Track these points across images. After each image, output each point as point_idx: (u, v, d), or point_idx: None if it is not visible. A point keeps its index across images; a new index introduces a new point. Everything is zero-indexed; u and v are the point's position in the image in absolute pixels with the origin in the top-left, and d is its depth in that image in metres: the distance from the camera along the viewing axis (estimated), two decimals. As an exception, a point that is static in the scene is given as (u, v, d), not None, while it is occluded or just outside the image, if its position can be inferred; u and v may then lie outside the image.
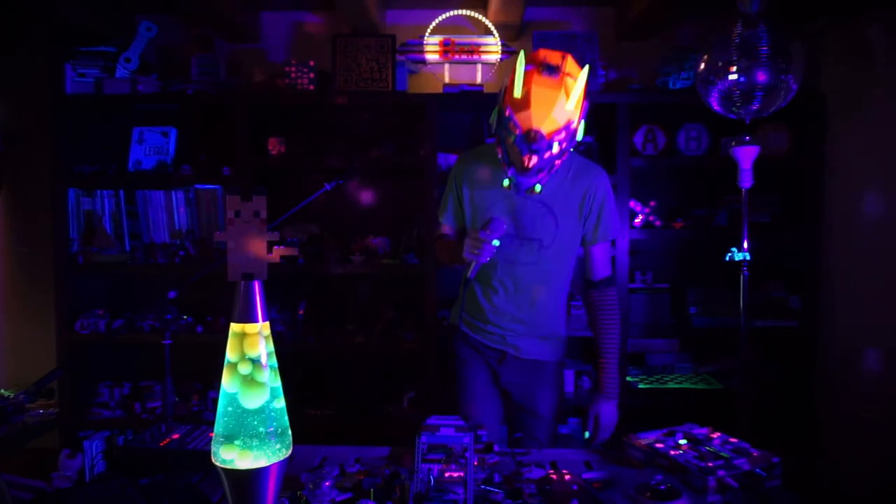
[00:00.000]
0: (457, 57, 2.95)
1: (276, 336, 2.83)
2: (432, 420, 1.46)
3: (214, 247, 2.91)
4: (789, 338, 2.88)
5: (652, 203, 2.93)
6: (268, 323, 1.02)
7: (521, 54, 1.55)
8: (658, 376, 3.00)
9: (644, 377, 2.99)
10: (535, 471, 1.47)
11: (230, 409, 0.99)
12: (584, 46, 2.85)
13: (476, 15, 2.99)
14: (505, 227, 1.67)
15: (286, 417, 1.04)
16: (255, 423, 0.99)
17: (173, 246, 2.92)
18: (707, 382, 2.94)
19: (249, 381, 0.99)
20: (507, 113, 1.56)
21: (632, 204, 2.86)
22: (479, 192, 1.83)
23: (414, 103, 2.91)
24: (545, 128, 1.52)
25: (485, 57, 2.96)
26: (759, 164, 2.22)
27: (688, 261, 3.09)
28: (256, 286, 1.00)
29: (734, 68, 2.10)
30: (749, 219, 2.24)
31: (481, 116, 3.04)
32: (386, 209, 3.15)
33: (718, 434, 1.59)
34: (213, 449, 1.00)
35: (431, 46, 2.95)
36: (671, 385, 2.91)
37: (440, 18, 2.95)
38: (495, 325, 1.90)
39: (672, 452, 1.46)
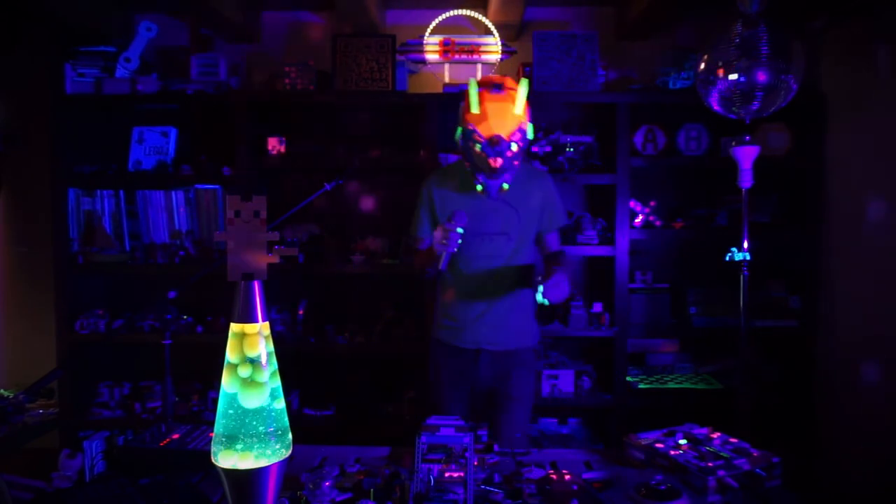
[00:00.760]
0: (457, 57, 2.95)
1: (276, 336, 2.83)
2: (432, 420, 1.46)
3: (214, 247, 2.91)
4: (789, 338, 2.88)
5: (652, 203, 2.93)
6: (268, 323, 1.02)
7: (472, 81, 1.92)
8: (658, 376, 3.00)
9: (644, 377, 2.99)
10: (535, 471, 1.47)
11: (230, 409, 0.99)
12: (584, 46, 2.85)
13: (476, 15, 2.99)
14: (466, 217, 1.86)
15: (286, 417, 1.04)
16: (255, 423, 0.99)
17: (173, 246, 2.92)
18: (707, 382, 2.94)
19: (249, 381, 0.99)
20: (469, 127, 1.88)
21: (632, 204, 2.86)
22: (449, 202, 2.07)
23: (414, 103, 2.91)
24: (504, 132, 1.85)
25: (485, 57, 2.96)
26: (759, 164, 2.22)
27: (688, 261, 3.09)
28: (256, 286, 1.00)
29: (734, 68, 2.10)
30: (749, 219, 2.24)
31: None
32: (386, 209, 3.15)
33: (718, 434, 1.59)
34: (213, 449, 1.00)
35: (431, 46, 2.95)
36: (671, 385, 2.92)
37: (440, 18, 2.95)
38: (471, 322, 2.07)
39: (672, 452, 1.46)
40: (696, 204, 3.00)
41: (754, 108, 2.15)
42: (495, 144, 1.84)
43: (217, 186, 2.96)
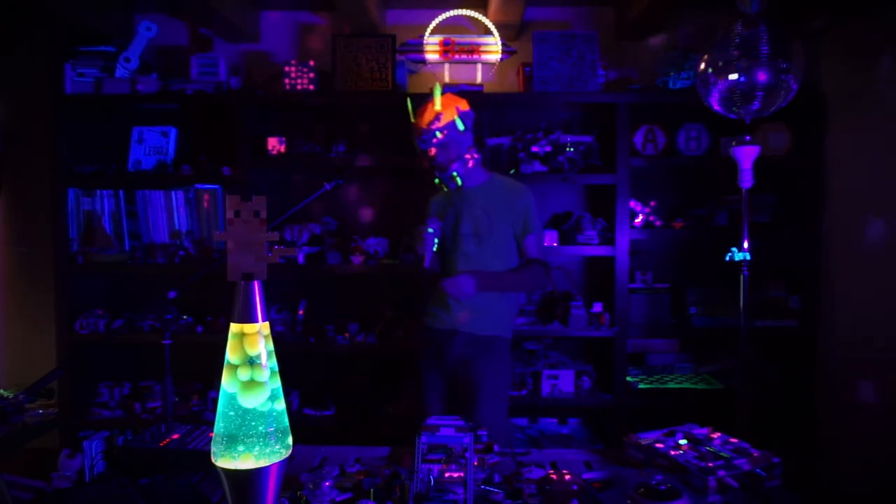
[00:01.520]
0: (457, 57, 2.95)
1: (276, 336, 2.83)
2: (432, 420, 1.46)
3: (214, 247, 2.91)
4: (789, 338, 2.88)
5: (652, 203, 2.93)
6: (268, 323, 1.02)
7: (408, 100, 2.36)
8: (658, 376, 3.00)
9: (644, 377, 2.99)
10: (535, 471, 1.47)
11: (230, 409, 0.99)
12: (584, 46, 2.85)
13: (476, 15, 2.98)
14: (438, 222, 2.20)
15: (286, 417, 1.04)
16: (255, 423, 0.99)
17: (173, 246, 2.92)
18: (707, 382, 2.94)
19: (249, 381, 0.99)
20: (413, 136, 2.24)
21: (632, 204, 2.86)
22: (441, 210, 2.33)
23: (414, 103, 2.91)
24: (423, 121, 2.19)
25: (485, 57, 2.96)
26: (759, 164, 2.22)
27: (688, 261, 3.09)
28: (256, 286, 1.00)
29: (734, 68, 2.10)
30: (749, 219, 2.24)
31: (481, 116, 3.04)
32: (386, 209, 3.15)
33: (718, 434, 1.59)
34: (213, 449, 1.00)
35: (431, 46, 2.95)
36: (671, 385, 2.92)
37: (440, 18, 2.95)
38: (451, 307, 2.21)
39: (672, 452, 1.46)
40: (696, 204, 3.00)
41: (754, 108, 2.15)
42: (420, 133, 2.18)
43: (217, 186, 2.96)
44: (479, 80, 2.99)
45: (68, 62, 2.87)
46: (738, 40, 2.10)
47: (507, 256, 2.26)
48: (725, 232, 2.85)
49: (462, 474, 1.32)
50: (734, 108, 2.19)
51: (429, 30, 2.96)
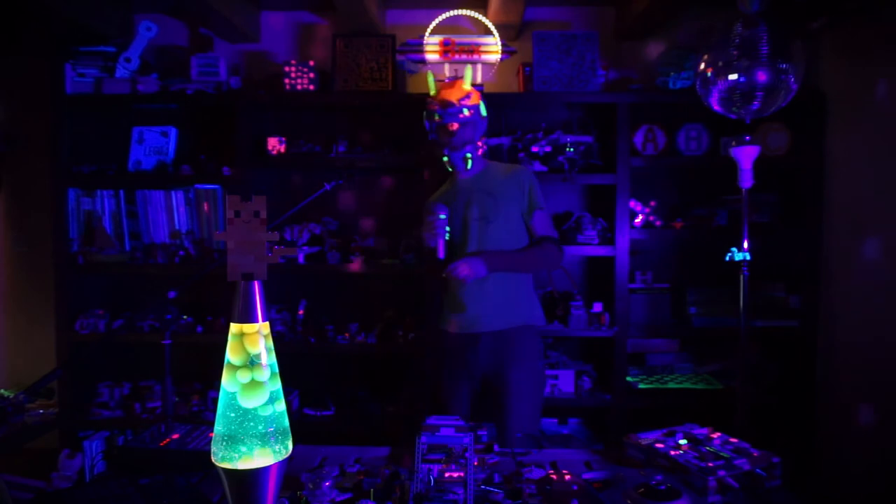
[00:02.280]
0: (457, 57, 2.95)
1: (276, 336, 2.83)
2: (432, 420, 1.46)
3: (214, 247, 2.91)
4: (789, 338, 2.88)
5: (652, 203, 2.93)
6: (267, 323, 1.02)
7: (430, 73, 2.30)
8: (658, 376, 3.00)
9: (644, 377, 2.99)
10: (535, 471, 1.47)
11: (230, 409, 0.99)
12: (584, 46, 2.86)
13: (476, 15, 2.98)
14: (446, 209, 2.09)
15: (286, 417, 1.04)
16: (255, 423, 0.99)
17: (173, 246, 2.92)
18: (707, 382, 2.94)
19: (249, 381, 0.99)
20: (429, 105, 2.20)
21: (632, 204, 2.86)
22: (444, 202, 2.26)
23: (414, 103, 2.91)
24: (452, 97, 2.16)
25: (485, 57, 2.96)
26: (759, 164, 2.22)
27: (688, 261, 3.09)
28: (256, 286, 1.00)
29: (734, 68, 2.10)
30: (749, 219, 2.24)
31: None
32: (386, 209, 3.15)
33: (718, 434, 1.59)
34: (213, 449, 1.00)
35: (431, 46, 2.95)
36: (671, 385, 2.91)
37: (440, 18, 2.95)
38: (475, 306, 2.15)
39: (672, 452, 1.46)
40: (696, 204, 3.00)
41: (754, 108, 2.15)
42: (447, 106, 2.15)
43: (217, 186, 2.96)
44: (479, 80, 2.99)
45: (68, 62, 2.88)
46: (738, 40, 2.10)
47: (518, 237, 2.21)
48: (725, 232, 2.85)
49: (462, 474, 1.32)
50: (734, 108, 2.19)
51: (429, 30, 2.95)
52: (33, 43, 3.10)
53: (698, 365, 3.06)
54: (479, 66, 2.99)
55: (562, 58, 2.85)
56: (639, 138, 2.86)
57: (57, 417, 2.86)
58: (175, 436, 1.59)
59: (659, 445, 1.51)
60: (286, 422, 1.04)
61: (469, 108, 2.16)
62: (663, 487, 1.31)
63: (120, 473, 1.46)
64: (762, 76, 2.07)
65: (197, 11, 2.93)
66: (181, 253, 2.89)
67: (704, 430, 1.61)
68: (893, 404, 2.40)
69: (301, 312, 2.98)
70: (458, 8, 2.96)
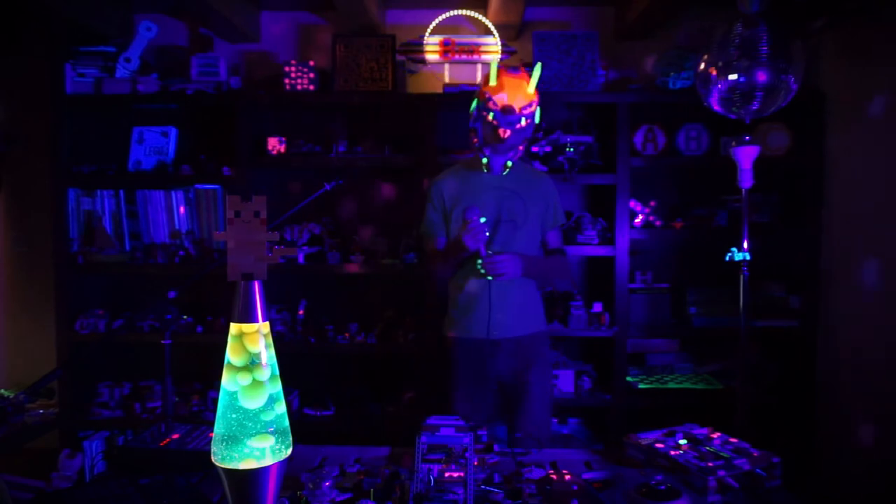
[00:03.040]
0: (457, 57, 2.95)
1: (276, 336, 2.83)
2: (432, 420, 1.46)
3: (214, 247, 2.92)
4: (789, 338, 2.88)
5: (652, 203, 2.93)
6: (267, 323, 1.02)
7: (494, 62, 2.10)
8: (658, 376, 3.00)
9: (644, 377, 2.99)
10: (535, 471, 1.47)
11: (230, 408, 0.99)
12: (584, 46, 2.85)
13: (476, 15, 2.99)
14: (478, 209, 1.94)
15: (286, 417, 1.04)
16: (256, 423, 0.99)
17: (173, 246, 2.92)
18: (707, 382, 2.94)
19: (249, 381, 0.99)
20: (486, 96, 2.01)
21: (632, 204, 2.86)
22: (460, 194, 2.14)
23: (414, 103, 2.91)
24: (517, 104, 1.98)
25: (485, 57, 2.96)
26: (759, 164, 2.22)
27: (688, 261, 3.09)
28: (256, 286, 1.00)
29: (734, 68, 2.10)
30: (749, 219, 2.24)
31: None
32: (386, 209, 3.15)
33: (718, 434, 1.59)
34: (213, 449, 1.00)
35: (431, 46, 2.95)
36: (671, 385, 2.91)
37: (440, 18, 2.95)
38: (487, 313, 2.04)
39: (672, 452, 1.46)
40: (696, 204, 3.00)
41: (754, 108, 2.15)
42: (508, 113, 1.98)
43: (217, 186, 2.96)
44: (479, 80, 2.99)
45: (68, 62, 2.87)
46: (738, 40, 2.10)
47: (538, 245, 2.19)
48: (725, 232, 2.85)
49: (462, 474, 1.32)
50: (734, 109, 2.19)
51: (429, 30, 2.96)
52: (33, 43, 3.10)
53: (698, 365, 3.06)
54: (479, 67, 2.99)
55: (562, 58, 2.85)
56: (639, 138, 2.86)
57: (57, 417, 2.86)
58: (175, 436, 1.59)
59: (659, 445, 1.51)
60: (286, 422, 1.04)
61: (528, 116, 2.02)
62: (663, 487, 1.31)
63: (120, 473, 1.46)
64: (762, 76, 2.07)
65: (197, 11, 2.93)
66: (181, 253, 2.89)
67: (704, 430, 1.61)
68: (893, 404, 2.40)
69: (301, 312, 2.98)
70: (458, 8, 2.96)
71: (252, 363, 0.99)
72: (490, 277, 1.96)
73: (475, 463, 1.43)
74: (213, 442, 1.00)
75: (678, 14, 2.91)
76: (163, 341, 1.72)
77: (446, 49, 2.94)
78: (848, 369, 2.67)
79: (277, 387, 1.03)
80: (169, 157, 3.01)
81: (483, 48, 2.95)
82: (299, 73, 2.87)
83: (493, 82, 2.02)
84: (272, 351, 1.03)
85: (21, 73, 3.12)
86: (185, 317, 2.98)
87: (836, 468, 2.71)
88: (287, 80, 2.87)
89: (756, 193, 2.84)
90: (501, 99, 1.98)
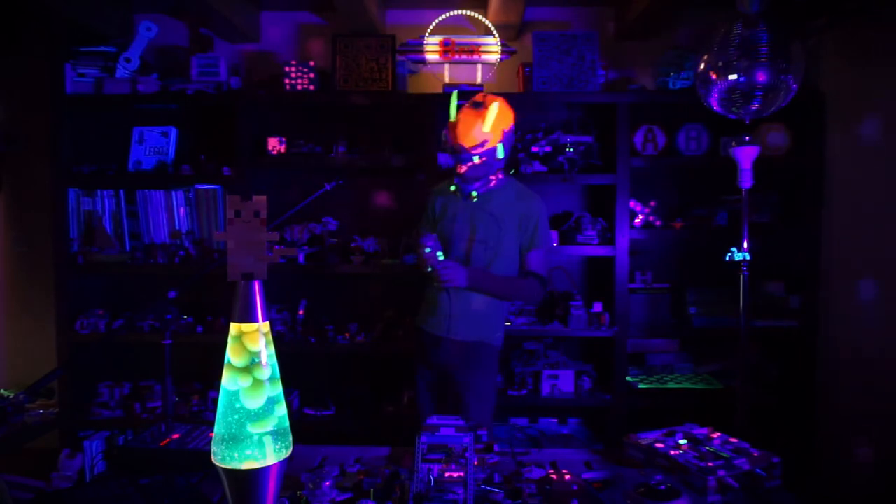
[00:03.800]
0: (457, 57, 2.95)
1: (276, 336, 2.83)
2: (432, 420, 1.46)
3: (214, 247, 2.91)
4: (789, 338, 2.88)
5: (652, 203, 2.93)
6: (268, 323, 1.02)
7: (454, 93, 2.18)
8: (658, 376, 3.00)
9: (644, 377, 2.99)
10: (535, 471, 1.47)
11: (230, 409, 0.99)
12: (584, 46, 2.86)
13: (476, 15, 2.99)
14: (433, 239, 2.06)
15: (286, 417, 1.04)
16: (256, 423, 0.99)
17: (173, 246, 2.92)
18: (707, 382, 2.94)
19: (249, 381, 0.99)
20: (444, 132, 2.19)
21: (632, 204, 2.86)
22: (444, 210, 2.26)
23: (414, 103, 2.91)
24: (466, 143, 2.06)
25: (485, 57, 2.96)
26: (758, 164, 2.22)
27: (688, 261, 3.09)
28: (256, 286, 1.00)
29: (734, 68, 2.10)
30: (749, 219, 2.24)
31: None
32: (386, 209, 3.16)
33: (718, 434, 1.59)
34: (214, 449, 1.00)
35: (431, 46, 2.95)
36: (671, 385, 2.92)
37: (440, 18, 2.95)
38: (444, 315, 2.18)
39: (672, 452, 1.46)
40: (696, 204, 3.00)
41: (754, 108, 2.15)
42: (457, 153, 2.09)
43: (217, 186, 2.96)
44: (479, 80, 2.99)
45: (69, 62, 2.88)
46: (738, 40, 2.09)
47: (513, 266, 2.22)
48: (725, 232, 2.85)
49: (462, 474, 1.32)
50: (734, 109, 2.19)
51: (429, 30, 2.96)
52: (33, 43, 3.10)
53: (698, 365, 3.06)
54: (479, 67, 2.99)
55: (562, 58, 2.85)
56: (639, 138, 2.86)
57: (57, 417, 2.87)
58: (175, 436, 1.59)
59: (659, 445, 1.51)
60: (286, 422, 1.04)
61: (482, 154, 2.07)
62: (663, 487, 1.31)
63: (120, 473, 1.47)
64: (762, 76, 2.07)
65: (197, 11, 2.94)
66: (181, 253, 2.89)
67: (704, 430, 1.61)
68: (893, 404, 2.40)
69: (301, 312, 2.98)
70: (458, 8, 2.96)
71: (252, 363, 0.99)
72: (436, 284, 2.10)
73: (475, 463, 1.43)
74: (213, 442, 1.00)
75: (678, 14, 2.91)
76: (163, 341, 1.72)
77: (446, 49, 2.94)
78: (848, 369, 2.67)
79: (277, 386, 1.03)
80: (169, 157, 3.01)
81: (483, 48, 2.95)
82: (299, 73, 2.87)
83: (451, 117, 2.11)
84: (272, 351, 1.03)
85: (21, 73, 3.12)
86: (185, 317, 2.98)
87: (836, 468, 2.71)
88: (287, 80, 2.87)
89: (756, 193, 2.84)
90: (454, 137, 2.09)
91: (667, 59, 2.90)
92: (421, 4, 3.10)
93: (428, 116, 2.81)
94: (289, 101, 2.91)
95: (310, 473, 1.36)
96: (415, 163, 2.87)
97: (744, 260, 2.21)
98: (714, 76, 2.16)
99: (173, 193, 2.97)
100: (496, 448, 1.56)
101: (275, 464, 1.00)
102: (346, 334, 2.93)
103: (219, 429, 0.99)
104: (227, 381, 1.00)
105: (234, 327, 1.00)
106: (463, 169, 2.10)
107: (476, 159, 2.07)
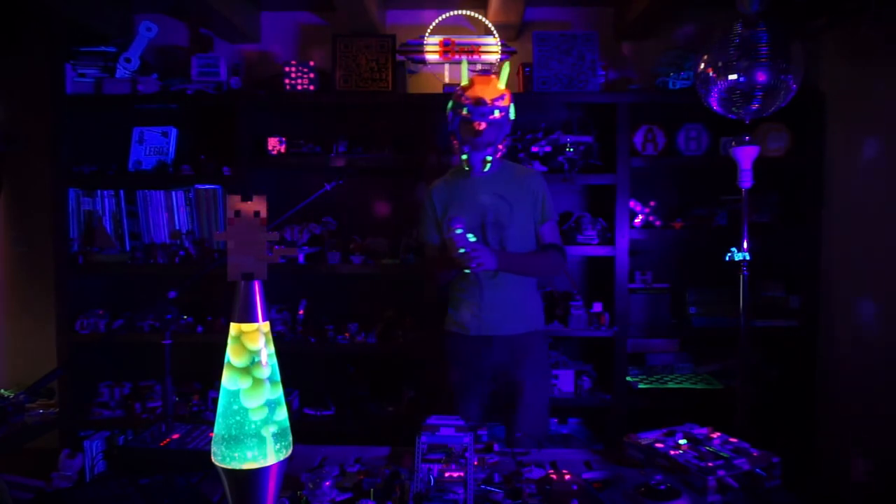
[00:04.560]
0: (457, 57, 2.95)
1: (276, 336, 2.83)
2: (432, 420, 1.46)
3: (214, 247, 2.92)
4: (789, 338, 2.88)
5: (652, 203, 2.93)
6: (268, 323, 1.02)
7: (464, 60, 2.30)
8: (658, 376, 3.00)
9: (644, 377, 2.99)
10: (535, 471, 1.47)
11: (230, 408, 0.99)
12: (584, 46, 2.86)
13: (476, 15, 2.99)
14: (463, 221, 2.00)
15: (286, 417, 1.04)
16: (256, 422, 0.99)
17: (173, 246, 2.92)
18: (707, 382, 2.94)
19: (249, 380, 0.99)
20: (459, 94, 2.11)
21: (632, 204, 2.86)
22: (449, 200, 2.22)
23: (414, 103, 2.91)
24: (487, 95, 2.06)
25: (485, 57, 2.96)
26: (758, 164, 2.22)
27: (688, 261, 3.09)
28: (256, 286, 1.00)
29: (734, 68, 2.10)
30: (749, 219, 2.24)
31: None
32: (386, 209, 3.16)
33: (718, 434, 1.59)
34: (214, 449, 1.00)
35: (431, 46, 2.95)
36: (671, 385, 2.92)
37: (440, 18, 2.95)
38: (478, 310, 2.14)
39: (672, 452, 1.46)
40: (696, 204, 3.00)
41: (754, 108, 2.15)
42: (479, 104, 2.05)
43: (217, 186, 2.96)
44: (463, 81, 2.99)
45: (69, 62, 2.88)
46: (737, 40, 2.10)
47: (530, 243, 2.20)
48: (725, 232, 2.85)
49: (462, 474, 1.32)
50: (734, 109, 2.19)
51: (429, 30, 2.96)
52: (33, 43, 3.10)
53: (698, 365, 3.06)
54: (479, 67, 2.99)
55: (562, 58, 2.85)
56: (639, 138, 2.86)
57: (57, 417, 2.87)
58: (175, 436, 1.59)
59: (659, 445, 1.51)
60: (286, 422, 1.04)
61: (501, 109, 2.07)
62: (663, 487, 1.31)
63: (120, 473, 1.47)
64: (762, 76, 2.07)
65: (197, 11, 2.94)
66: (181, 253, 2.89)
67: (704, 430, 1.61)
68: (893, 404, 2.40)
69: (301, 312, 2.98)
70: (458, 8, 2.96)
71: (252, 363, 0.99)
72: (467, 270, 2.00)
73: (475, 463, 1.43)
74: (213, 442, 1.00)
75: (678, 14, 2.91)
76: (163, 341, 1.72)
77: (446, 49, 2.94)
78: (848, 369, 2.67)
79: (278, 386, 1.03)
80: (169, 157, 3.01)
81: (483, 48, 2.95)
82: (299, 73, 2.88)
83: (464, 81, 2.13)
84: (272, 350, 1.03)
85: (21, 73, 3.12)
86: (185, 317, 2.98)
87: (836, 468, 2.71)
88: (287, 80, 2.87)
89: (756, 193, 2.84)
90: (473, 93, 2.07)
91: (667, 59, 2.90)
92: (421, 4, 3.11)
93: (428, 116, 2.81)
94: (289, 101, 2.91)
95: (310, 473, 1.36)
96: (415, 163, 2.87)
97: (744, 260, 2.21)
98: (714, 76, 2.16)
99: (173, 193, 2.97)
100: (496, 448, 1.57)
101: (275, 464, 1.00)
102: (346, 334, 2.93)
103: (219, 429, 0.99)
104: (227, 381, 1.00)
105: (234, 327, 1.00)
106: (482, 126, 2.05)
107: (497, 113, 2.05)
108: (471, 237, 1.98)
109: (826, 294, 2.80)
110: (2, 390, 3.00)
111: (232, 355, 1.00)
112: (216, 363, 1.17)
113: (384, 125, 3.08)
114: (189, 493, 1.34)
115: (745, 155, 2.19)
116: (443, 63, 2.99)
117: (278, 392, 1.02)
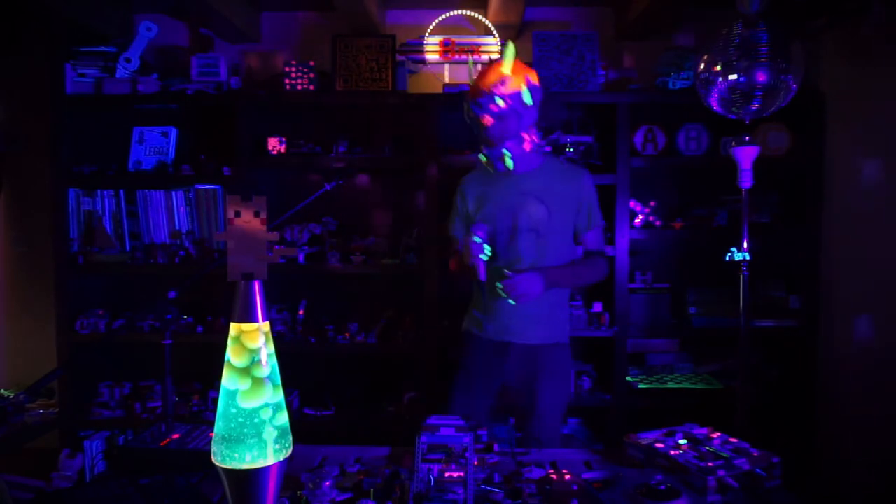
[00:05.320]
0: (457, 57, 2.95)
1: (276, 336, 2.83)
2: (432, 420, 1.46)
3: (214, 247, 2.92)
4: (789, 338, 2.88)
5: (652, 203, 2.93)
6: (268, 323, 1.02)
7: (470, 62, 2.36)
8: (658, 376, 3.00)
9: (644, 377, 2.99)
10: (535, 471, 1.47)
11: (230, 408, 0.99)
12: (584, 46, 2.86)
13: (476, 15, 2.99)
14: (484, 228, 1.89)
15: (286, 417, 1.04)
16: (256, 422, 0.99)
17: (173, 246, 2.92)
18: (707, 382, 2.94)
19: (249, 380, 0.99)
20: (467, 98, 1.96)
21: (632, 204, 2.86)
22: (482, 196, 2.08)
23: (414, 103, 2.91)
24: (483, 84, 1.89)
25: (485, 57, 2.96)
26: (759, 164, 2.21)
27: (688, 261, 3.09)
28: (256, 286, 1.00)
29: (734, 68, 2.10)
30: (749, 219, 2.24)
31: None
32: (386, 209, 3.16)
33: (718, 434, 1.59)
34: (213, 449, 1.00)
35: (431, 46, 2.95)
36: (671, 385, 2.92)
37: (440, 18, 2.96)
38: (498, 314, 2.03)
39: (672, 452, 1.46)
40: (696, 204, 3.00)
41: (754, 108, 2.15)
42: (478, 96, 1.89)
43: (217, 186, 2.96)
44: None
45: (69, 62, 2.88)
46: (737, 40, 2.09)
47: (570, 250, 2.07)
48: (725, 232, 2.85)
49: (462, 474, 1.32)
50: (734, 109, 2.19)
51: (429, 30, 2.96)
52: (33, 43, 3.10)
53: (698, 365, 3.06)
54: (480, 67, 2.99)
55: (562, 58, 2.85)
56: (639, 138, 2.86)
57: (57, 417, 2.87)
58: (175, 436, 1.59)
59: (659, 445, 1.51)
60: (286, 422, 1.04)
61: (504, 96, 1.85)
62: (663, 487, 1.31)
63: (120, 473, 1.46)
64: (762, 76, 2.07)
65: (197, 11, 2.94)
66: (181, 253, 2.89)
67: (704, 430, 1.61)
68: (893, 404, 2.40)
69: (301, 312, 2.98)
70: (458, 8, 2.97)
71: (252, 363, 0.99)
72: (512, 302, 1.86)
73: (475, 463, 1.43)
74: (213, 442, 1.00)
75: (678, 14, 2.91)
76: (163, 341, 1.72)
77: (446, 49, 2.94)
78: (848, 369, 2.67)
79: (278, 386, 1.03)
80: (169, 157, 3.01)
81: (483, 48, 2.95)
82: (299, 74, 2.88)
83: (470, 81, 2.06)
84: (272, 350, 1.03)
85: (21, 73, 3.12)
86: (185, 317, 2.98)
87: (836, 468, 2.71)
88: (287, 81, 2.87)
89: (756, 193, 2.84)
90: (473, 89, 1.94)
91: (667, 59, 2.90)
92: (421, 4, 3.10)
93: (428, 116, 2.81)
94: (289, 101, 2.91)
95: (310, 473, 1.35)
96: (415, 163, 2.87)
97: (744, 260, 2.21)
98: (714, 76, 2.16)
99: (173, 193, 2.97)
100: (496, 448, 1.57)
101: (275, 464, 1.00)
102: (346, 334, 2.93)
103: (219, 429, 0.99)
104: (227, 381, 1.00)
105: (234, 327, 1.00)
106: (489, 120, 1.88)
107: (500, 101, 1.85)
108: (486, 251, 1.82)
109: (826, 294, 2.80)
110: (2, 390, 3.00)
111: (232, 355, 1.00)
112: (216, 363, 1.17)
113: (384, 125, 3.08)
114: (189, 494, 1.34)
115: (745, 155, 2.18)
116: (443, 63, 2.99)
117: (278, 392, 1.02)
